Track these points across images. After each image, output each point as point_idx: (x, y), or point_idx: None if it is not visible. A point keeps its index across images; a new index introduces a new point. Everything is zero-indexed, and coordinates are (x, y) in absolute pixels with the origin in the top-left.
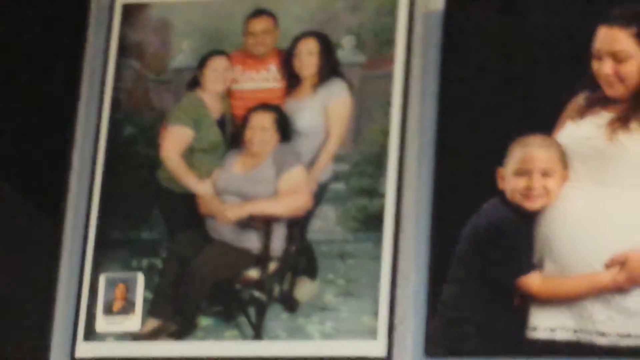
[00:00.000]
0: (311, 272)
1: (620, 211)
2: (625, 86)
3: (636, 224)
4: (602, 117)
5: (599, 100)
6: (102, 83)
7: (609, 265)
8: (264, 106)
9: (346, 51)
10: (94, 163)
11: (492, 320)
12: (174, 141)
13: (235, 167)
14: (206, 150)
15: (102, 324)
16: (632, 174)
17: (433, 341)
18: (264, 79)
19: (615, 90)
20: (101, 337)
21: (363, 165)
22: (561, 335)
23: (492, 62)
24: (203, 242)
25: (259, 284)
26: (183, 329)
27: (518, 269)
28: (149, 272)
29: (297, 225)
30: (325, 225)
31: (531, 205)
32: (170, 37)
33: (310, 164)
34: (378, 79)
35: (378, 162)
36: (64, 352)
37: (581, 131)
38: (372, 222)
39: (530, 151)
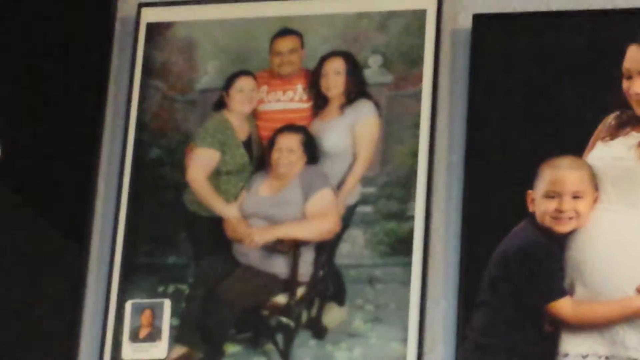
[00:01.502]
0: (339, 297)
1: None
2: None
3: None
4: (633, 138)
5: (629, 121)
6: (128, 104)
7: None
8: (291, 127)
9: (373, 71)
10: (119, 187)
11: (522, 346)
12: (200, 164)
13: (262, 189)
14: (232, 173)
15: (129, 351)
16: None
17: None
18: (291, 100)
19: None
20: None
21: (391, 187)
22: None
23: (520, 81)
24: (230, 266)
25: (286, 310)
26: (210, 356)
27: (549, 293)
28: (175, 298)
29: (325, 249)
30: (354, 249)
31: (562, 228)
32: (196, 57)
33: (338, 187)
34: (405, 98)
35: (406, 184)
36: None
37: (611, 152)
38: (400, 246)
39: (560, 173)
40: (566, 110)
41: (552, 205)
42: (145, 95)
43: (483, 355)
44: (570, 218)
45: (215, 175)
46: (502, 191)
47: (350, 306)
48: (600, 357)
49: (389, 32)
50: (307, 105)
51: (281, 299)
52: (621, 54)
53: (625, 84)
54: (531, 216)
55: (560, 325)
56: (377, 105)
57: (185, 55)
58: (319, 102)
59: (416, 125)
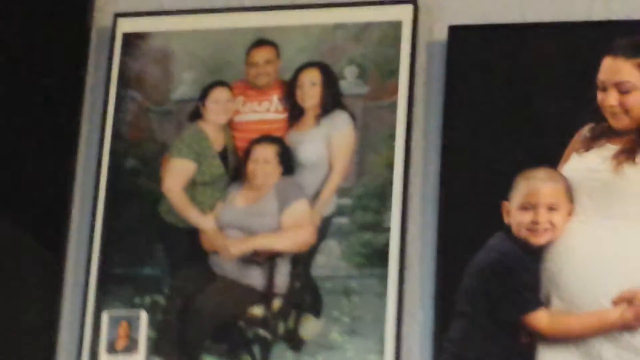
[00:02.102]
0: (316, 309)
1: (628, 246)
2: (630, 118)
3: None
4: (608, 150)
5: (604, 132)
6: (103, 114)
7: (617, 302)
8: (267, 138)
9: (349, 82)
10: (95, 197)
11: (499, 357)
12: (176, 174)
13: (238, 200)
14: (208, 184)
15: None
16: (638, 207)
17: None
18: (266, 110)
19: (620, 122)
20: None
21: (367, 199)
22: None
23: (495, 93)
24: (206, 278)
25: (263, 322)
26: None
27: (524, 305)
28: (152, 310)
29: (301, 260)
30: (330, 261)
31: (537, 240)
32: (171, 68)
33: (314, 198)
34: (381, 109)
35: (382, 195)
36: None
37: (586, 164)
38: (376, 257)
39: (535, 185)
40: (541, 122)
41: (527, 217)
42: (121, 105)
43: None
44: (546, 230)
45: (191, 186)
46: (477, 202)
47: (326, 318)
48: None
49: (364, 44)
50: (282, 116)
51: (257, 310)
52: (596, 66)
53: (599, 95)
54: (507, 228)
55: (537, 337)
56: (352, 116)
57: (161, 65)
58: (295, 113)
59: (392, 137)
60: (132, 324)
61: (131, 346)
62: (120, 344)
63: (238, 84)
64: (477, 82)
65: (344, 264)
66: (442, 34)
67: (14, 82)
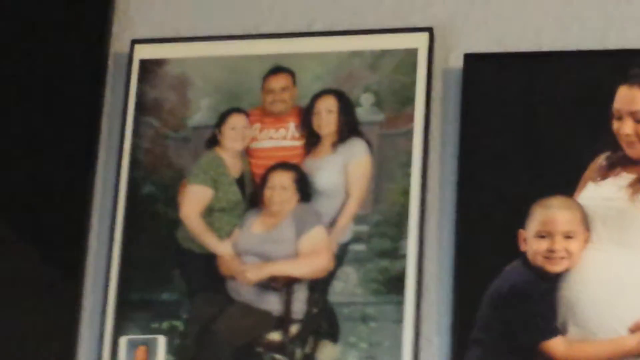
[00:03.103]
0: (333, 335)
1: None
2: None
3: None
4: (623, 178)
5: (619, 161)
6: (121, 141)
7: (633, 330)
8: (283, 165)
9: (365, 109)
10: (113, 223)
11: None
12: (194, 201)
13: (255, 226)
14: (225, 210)
15: None
16: None
17: None
18: (283, 137)
19: (636, 151)
20: None
21: (384, 226)
22: None
23: (511, 121)
24: (224, 303)
25: (280, 347)
26: None
27: (541, 333)
28: (170, 334)
29: (319, 286)
30: (347, 287)
31: (553, 268)
32: (188, 94)
33: (331, 225)
34: (397, 137)
35: (399, 223)
36: None
37: (602, 192)
38: (393, 284)
39: (551, 213)
40: (557, 150)
41: (543, 245)
42: (138, 132)
43: None
44: (562, 258)
45: (209, 212)
46: (494, 230)
47: (344, 344)
48: None
49: (380, 71)
50: (299, 143)
51: (275, 336)
52: (611, 95)
53: (615, 124)
54: (523, 256)
55: None
56: (369, 143)
57: (178, 92)
58: (312, 140)
59: (408, 164)
60: (150, 349)
61: None
62: None
63: (255, 110)
64: (493, 109)
65: (361, 290)
66: (458, 62)
67: (31, 109)
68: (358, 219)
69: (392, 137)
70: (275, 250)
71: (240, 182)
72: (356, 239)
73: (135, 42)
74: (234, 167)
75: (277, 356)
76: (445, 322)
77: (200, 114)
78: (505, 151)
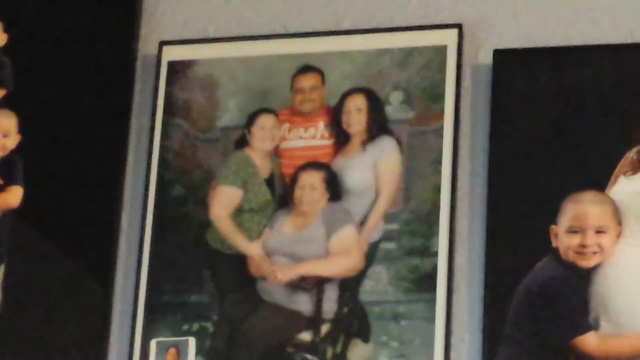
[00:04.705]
0: (364, 334)
1: None
2: None
3: None
4: None
5: None
6: (150, 143)
7: None
8: (313, 164)
9: (394, 107)
10: (142, 225)
11: None
12: (223, 201)
13: (285, 227)
14: (255, 210)
15: None
16: None
17: None
18: (312, 137)
19: None
20: None
21: (414, 224)
22: None
23: (542, 116)
24: (254, 304)
25: (311, 347)
26: None
27: (573, 328)
28: (200, 336)
29: (349, 286)
30: (377, 286)
31: (585, 263)
32: (217, 95)
33: (361, 223)
34: (427, 134)
35: (429, 220)
36: None
37: (634, 186)
38: (424, 282)
39: (583, 208)
40: (588, 145)
41: (575, 240)
42: (167, 133)
43: None
44: (594, 253)
45: (238, 213)
46: (525, 226)
47: (375, 343)
48: None
49: (409, 69)
50: (329, 142)
51: (306, 336)
52: None
53: None
54: (555, 251)
55: None
56: (398, 141)
57: (207, 93)
58: (341, 138)
59: (438, 161)
60: (181, 351)
61: None
62: None
63: (284, 110)
64: (523, 105)
65: (392, 289)
66: (487, 58)
67: (60, 111)
68: (388, 217)
69: (422, 134)
70: (306, 250)
71: (270, 182)
72: (386, 237)
73: (163, 43)
74: (263, 167)
75: (308, 356)
76: (476, 320)
77: (229, 115)
78: (536, 147)
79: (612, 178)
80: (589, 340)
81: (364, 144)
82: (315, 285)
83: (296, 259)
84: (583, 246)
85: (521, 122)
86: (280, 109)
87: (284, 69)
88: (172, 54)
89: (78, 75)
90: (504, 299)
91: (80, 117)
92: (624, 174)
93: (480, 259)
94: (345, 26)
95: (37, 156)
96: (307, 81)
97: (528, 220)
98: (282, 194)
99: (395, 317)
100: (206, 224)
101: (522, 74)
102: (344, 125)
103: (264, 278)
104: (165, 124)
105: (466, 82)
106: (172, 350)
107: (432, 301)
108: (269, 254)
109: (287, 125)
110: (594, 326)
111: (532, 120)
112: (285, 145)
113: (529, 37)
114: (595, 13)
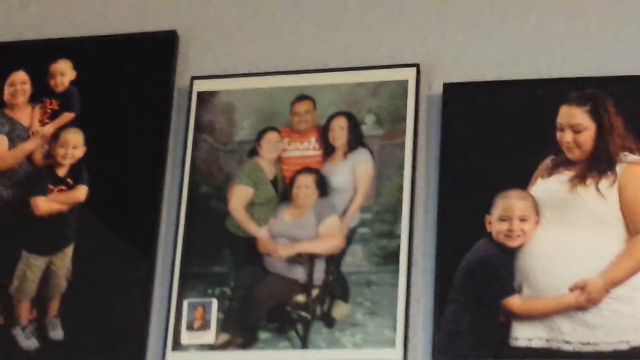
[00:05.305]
0: (345, 296)
1: (579, 247)
2: (582, 151)
3: (591, 257)
4: (565, 175)
5: (562, 162)
6: (183, 153)
7: (572, 289)
8: (307, 169)
9: (368, 126)
10: (178, 214)
11: (483, 332)
12: (239, 197)
13: (285, 216)
14: (263, 204)
15: (186, 338)
16: (588, 219)
17: (439, 349)
18: (307, 149)
19: (574, 155)
20: (185, 348)
21: (383, 214)
22: (536, 344)
23: (480, 133)
24: (262, 274)
25: (305, 306)
26: (247, 341)
27: (503, 292)
28: (221, 298)
29: (334, 260)
30: (355, 260)
31: (512, 243)
32: (234, 117)
33: (343, 214)
34: (393, 147)
35: (394, 211)
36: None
37: (549, 186)
38: (390, 258)
39: (510, 202)
40: (515, 155)
41: (504, 226)
42: (197, 146)
43: (453, 339)
44: (519, 236)
45: (250, 206)
46: (467, 216)
47: (352, 303)
48: (542, 340)
49: (380, 97)
50: (319, 152)
51: (301, 298)
52: (555, 112)
53: (558, 134)
54: (489, 235)
55: (512, 317)
56: (371, 152)
57: (227, 115)
58: (328, 150)
59: (401, 167)
60: (206, 309)
61: (205, 325)
62: (197, 324)
63: (285, 128)
64: (466, 124)
65: (366, 262)
66: (438, 90)
67: (115, 130)
68: (363, 209)
69: (389, 147)
70: (301, 233)
71: (274, 182)
72: (362, 224)
73: (194, 78)
74: (269, 171)
75: (302, 313)
76: (429, 286)
77: (243, 132)
78: (477, 156)
79: (533, 180)
80: (514, 301)
81: (346, 154)
82: (308, 260)
83: (294, 240)
84: (510, 230)
85: (465, 138)
86: (282, 127)
87: (285, 97)
88: (200, 86)
89: (128, 103)
90: (451, 271)
91: (130, 134)
92: (542, 176)
93: (433, 241)
94: (332, 65)
95: (99, 164)
96: (303, 107)
97: (470, 212)
98: (283, 192)
99: (368, 284)
100: (226, 214)
101: (465, 102)
102: (330, 140)
103: (269, 255)
104: (195, 140)
105: (422, 108)
106: (200, 309)
107: (396, 272)
108: (273, 236)
109: (287, 139)
110: (518, 291)
111: (473, 136)
112: (285, 154)
113: (470, 73)
114: (519, 55)
